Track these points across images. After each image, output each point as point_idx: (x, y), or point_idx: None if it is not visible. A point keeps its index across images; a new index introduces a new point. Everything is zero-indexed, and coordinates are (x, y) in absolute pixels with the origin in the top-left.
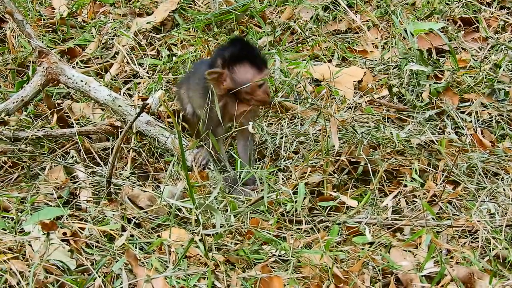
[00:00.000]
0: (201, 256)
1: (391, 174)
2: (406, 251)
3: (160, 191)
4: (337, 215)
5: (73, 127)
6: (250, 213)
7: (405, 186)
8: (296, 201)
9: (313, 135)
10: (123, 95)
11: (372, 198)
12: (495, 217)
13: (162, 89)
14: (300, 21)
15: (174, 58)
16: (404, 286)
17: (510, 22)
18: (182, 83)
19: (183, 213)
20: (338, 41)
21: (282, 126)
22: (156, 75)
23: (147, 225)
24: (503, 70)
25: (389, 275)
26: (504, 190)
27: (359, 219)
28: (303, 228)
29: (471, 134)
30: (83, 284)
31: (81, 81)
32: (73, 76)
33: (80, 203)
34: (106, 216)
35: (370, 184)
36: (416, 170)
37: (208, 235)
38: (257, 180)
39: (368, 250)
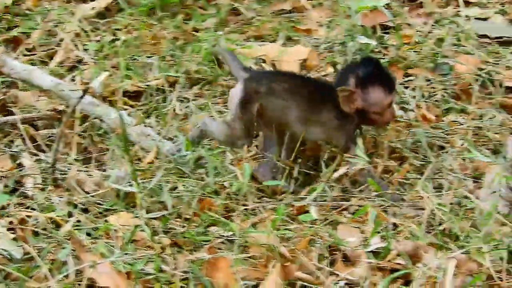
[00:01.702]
0: (148, 240)
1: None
2: (354, 227)
3: (107, 175)
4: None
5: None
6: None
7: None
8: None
9: None
10: (69, 81)
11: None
12: (441, 191)
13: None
14: (244, 2)
15: (117, 42)
16: (351, 262)
17: None
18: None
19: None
20: (283, 21)
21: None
22: (100, 61)
23: (94, 210)
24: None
25: (337, 252)
26: (450, 165)
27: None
28: (249, 208)
29: (416, 109)
30: (27, 273)
31: (24, 70)
32: (15, 65)
33: (27, 190)
34: (52, 202)
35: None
36: (360, 148)
37: (155, 218)
38: None
39: (313, 227)
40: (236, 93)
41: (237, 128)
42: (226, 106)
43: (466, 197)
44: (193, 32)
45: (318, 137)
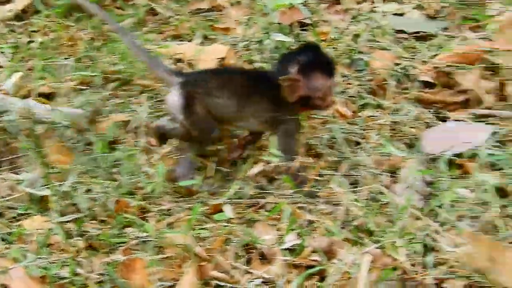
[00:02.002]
0: (63, 243)
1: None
2: (270, 225)
3: (20, 178)
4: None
5: None
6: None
7: (268, 162)
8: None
9: None
10: None
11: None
12: (357, 187)
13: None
14: (162, 2)
15: (33, 44)
16: (267, 260)
17: None
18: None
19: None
20: (200, 20)
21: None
22: (15, 63)
23: (8, 215)
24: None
25: (253, 250)
26: (365, 160)
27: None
28: (165, 208)
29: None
30: None
31: None
32: None
33: None
34: None
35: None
36: (275, 145)
37: (70, 221)
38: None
39: (228, 226)
40: (174, 99)
41: (192, 130)
42: (142, 105)
43: (381, 192)
44: (110, 33)
45: (259, 128)
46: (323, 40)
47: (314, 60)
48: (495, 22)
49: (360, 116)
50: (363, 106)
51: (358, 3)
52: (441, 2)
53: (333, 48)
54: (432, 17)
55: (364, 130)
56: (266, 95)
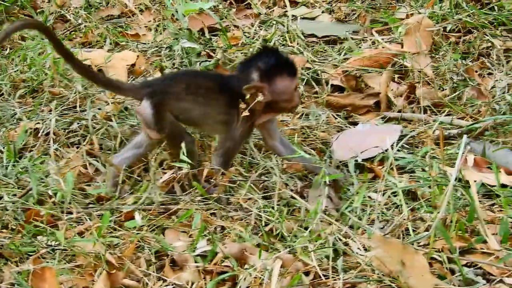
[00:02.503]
0: None
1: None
2: (182, 232)
3: None
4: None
5: None
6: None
7: (180, 169)
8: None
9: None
10: None
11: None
12: (268, 192)
13: None
14: (71, 9)
15: None
16: (179, 267)
17: None
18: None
19: None
20: (110, 27)
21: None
22: None
23: None
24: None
25: (165, 257)
26: (277, 166)
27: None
28: (75, 216)
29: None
30: None
31: None
32: None
33: None
34: None
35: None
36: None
37: None
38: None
39: (140, 233)
40: (145, 110)
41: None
42: (51, 112)
43: (292, 197)
44: (20, 41)
45: (219, 133)
46: (234, 45)
47: (275, 63)
48: (404, 25)
49: None
50: None
51: (269, 7)
52: (350, 6)
53: (244, 53)
54: (342, 21)
55: None
56: (227, 100)
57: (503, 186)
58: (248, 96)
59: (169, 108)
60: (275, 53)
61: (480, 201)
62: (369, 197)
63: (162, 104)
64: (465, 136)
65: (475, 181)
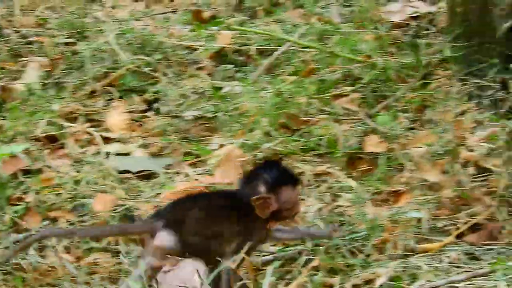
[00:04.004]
0: None
1: None
2: None
3: None
4: None
5: None
6: None
7: None
8: None
9: None
10: None
11: None
12: None
13: None
14: None
15: None
16: None
17: (94, 136)
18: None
19: None
20: None
21: None
22: None
23: None
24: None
25: None
26: None
27: None
28: None
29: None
30: None
31: None
32: None
33: None
34: None
35: None
36: None
37: None
38: None
39: None
40: (165, 240)
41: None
42: None
43: None
44: None
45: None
46: (46, 187)
47: (279, 175)
48: (215, 156)
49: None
50: (90, 250)
51: (82, 146)
52: (163, 140)
53: (57, 194)
54: (157, 155)
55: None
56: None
57: None
58: (257, 208)
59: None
60: (276, 165)
61: None
62: None
63: (178, 227)
64: None
65: None
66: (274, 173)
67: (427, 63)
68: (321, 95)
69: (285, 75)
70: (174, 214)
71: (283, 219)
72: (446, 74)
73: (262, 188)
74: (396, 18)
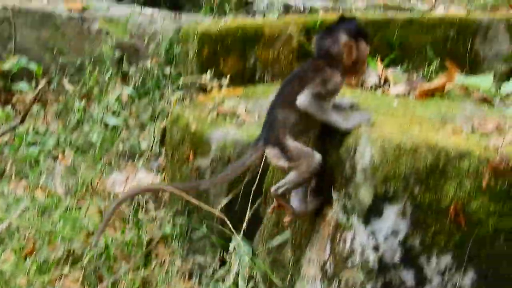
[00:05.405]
0: None
1: None
2: None
3: None
4: None
5: None
6: None
7: None
8: None
9: None
10: None
11: None
12: None
13: None
14: None
15: None
16: None
17: None
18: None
19: None
20: None
21: None
22: None
23: None
24: None
25: None
26: None
27: None
28: None
29: None
30: None
31: None
32: None
33: None
34: None
35: None
36: None
37: None
38: None
39: None
40: (271, 154)
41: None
42: None
43: None
44: None
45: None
46: None
47: (356, 28)
48: None
49: None
50: None
51: None
52: None
53: None
54: None
55: None
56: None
57: None
58: (345, 53)
59: (284, 138)
60: (356, 20)
61: None
62: None
63: (278, 139)
64: None
65: None
66: (352, 25)
67: (149, 239)
68: (43, 276)
69: (7, 254)
70: (268, 128)
71: (355, 72)
72: (168, 251)
73: (344, 37)
74: (120, 189)
